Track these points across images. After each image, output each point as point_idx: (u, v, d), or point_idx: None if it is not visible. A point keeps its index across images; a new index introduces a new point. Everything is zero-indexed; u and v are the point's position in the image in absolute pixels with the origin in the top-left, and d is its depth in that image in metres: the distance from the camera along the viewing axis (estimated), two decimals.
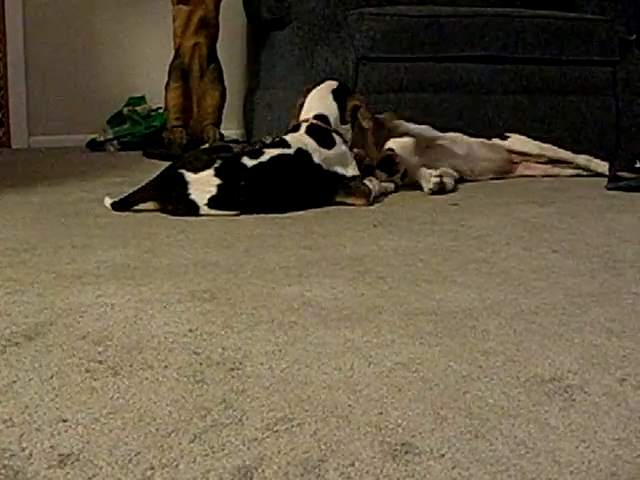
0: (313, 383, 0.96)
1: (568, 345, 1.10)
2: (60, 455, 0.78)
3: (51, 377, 0.96)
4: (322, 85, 2.32)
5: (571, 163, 2.78)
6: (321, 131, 2.20)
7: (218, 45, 3.46)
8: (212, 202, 1.98)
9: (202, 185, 1.98)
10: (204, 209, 1.99)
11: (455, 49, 3.06)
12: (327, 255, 1.62)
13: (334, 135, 2.21)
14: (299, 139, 2.17)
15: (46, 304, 1.25)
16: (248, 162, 2.04)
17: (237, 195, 2.01)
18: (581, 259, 1.61)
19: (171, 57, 3.41)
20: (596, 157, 2.78)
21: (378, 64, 3.00)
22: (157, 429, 0.83)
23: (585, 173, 2.78)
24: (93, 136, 3.63)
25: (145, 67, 3.83)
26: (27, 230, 1.82)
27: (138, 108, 3.69)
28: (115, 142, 3.60)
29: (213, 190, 1.98)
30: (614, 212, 2.15)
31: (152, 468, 0.75)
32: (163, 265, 1.51)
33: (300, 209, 2.09)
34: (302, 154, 2.12)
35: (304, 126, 2.21)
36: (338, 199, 2.19)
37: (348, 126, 2.27)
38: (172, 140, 3.36)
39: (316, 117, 2.22)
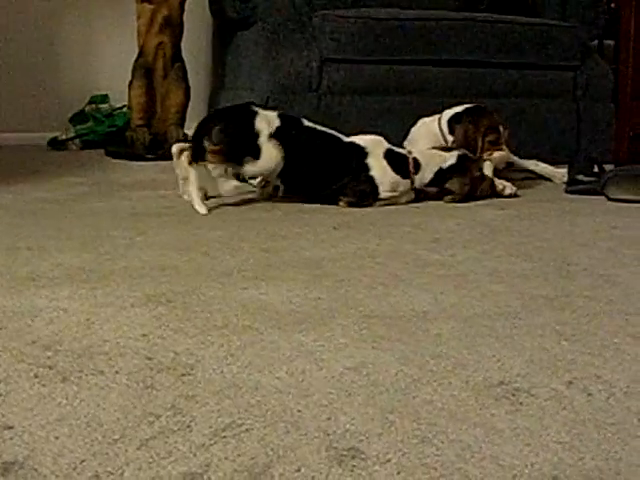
0: (263, 388, 0.96)
1: (518, 349, 1.12)
2: (4, 463, 0.77)
3: None
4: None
5: (520, 167, 2.82)
6: (401, 159, 2.28)
7: (183, 44, 3.44)
8: (271, 136, 2.14)
9: (267, 119, 2.17)
10: (263, 140, 2.12)
11: (419, 52, 3.08)
12: (285, 258, 1.62)
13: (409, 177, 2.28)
14: (365, 139, 2.28)
15: None
16: (305, 122, 2.25)
17: (288, 143, 2.15)
18: (536, 262, 1.63)
19: (135, 56, 3.38)
20: (557, 160, 2.82)
21: (342, 66, 3.01)
22: (104, 436, 0.83)
23: (533, 176, 2.81)
24: (55, 134, 3.58)
25: (109, 65, 3.79)
26: None
27: (101, 106, 3.65)
28: (77, 141, 3.56)
29: (273, 128, 2.15)
30: (572, 215, 2.18)
31: (97, 476, 0.75)
32: (120, 268, 1.50)
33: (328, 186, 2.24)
34: (353, 147, 2.25)
35: (390, 147, 2.31)
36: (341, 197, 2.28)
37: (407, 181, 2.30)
38: (135, 139, 3.33)
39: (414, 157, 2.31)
